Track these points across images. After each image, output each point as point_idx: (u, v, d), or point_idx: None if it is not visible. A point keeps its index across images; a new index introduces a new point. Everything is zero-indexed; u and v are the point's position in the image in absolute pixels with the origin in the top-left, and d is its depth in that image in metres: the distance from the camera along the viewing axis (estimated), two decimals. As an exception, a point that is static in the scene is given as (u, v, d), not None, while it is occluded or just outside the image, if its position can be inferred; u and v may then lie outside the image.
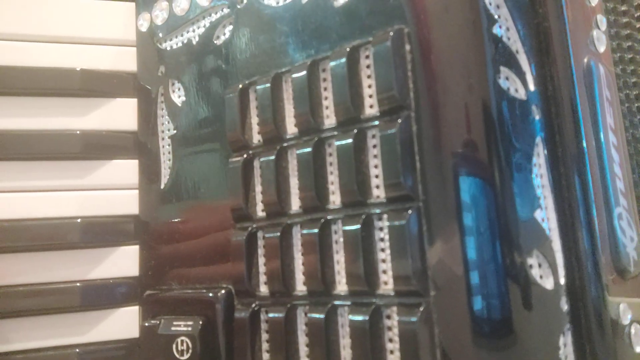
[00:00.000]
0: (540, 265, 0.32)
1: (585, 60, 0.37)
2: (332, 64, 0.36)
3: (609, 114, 0.38)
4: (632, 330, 0.35)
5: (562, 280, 0.33)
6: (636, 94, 0.49)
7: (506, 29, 0.33)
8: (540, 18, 0.35)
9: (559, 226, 0.33)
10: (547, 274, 0.32)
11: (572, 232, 0.34)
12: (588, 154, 0.35)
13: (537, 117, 0.34)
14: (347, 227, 0.35)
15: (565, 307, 0.33)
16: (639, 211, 0.43)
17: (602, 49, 0.39)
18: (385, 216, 0.34)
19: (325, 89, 0.38)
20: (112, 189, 0.49)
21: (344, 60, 0.36)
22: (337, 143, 0.36)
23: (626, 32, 0.49)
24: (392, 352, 0.33)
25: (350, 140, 0.35)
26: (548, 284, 0.32)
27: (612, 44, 0.43)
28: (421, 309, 0.32)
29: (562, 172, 0.34)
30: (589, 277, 0.34)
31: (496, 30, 0.33)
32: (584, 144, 0.35)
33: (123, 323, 0.48)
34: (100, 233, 0.48)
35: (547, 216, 0.33)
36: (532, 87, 0.34)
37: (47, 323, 0.46)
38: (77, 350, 0.47)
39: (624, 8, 0.49)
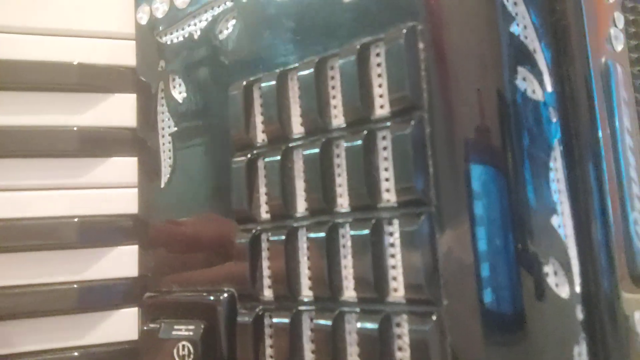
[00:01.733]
0: (556, 273, 0.31)
1: (603, 59, 0.36)
2: (341, 61, 0.35)
3: (626, 115, 0.36)
4: (648, 339, 0.34)
5: (578, 289, 0.32)
6: None
7: (523, 27, 0.32)
8: (559, 15, 0.34)
9: (575, 232, 0.32)
10: (562, 282, 0.31)
11: (588, 239, 0.33)
12: (605, 158, 0.34)
13: (554, 120, 0.32)
14: (356, 232, 0.34)
15: (580, 316, 0.32)
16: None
17: (619, 47, 0.38)
18: (395, 221, 0.33)
19: (333, 87, 0.36)
20: (111, 188, 0.48)
21: (353, 58, 0.34)
22: (346, 144, 0.35)
23: None
24: (401, 361, 0.32)
25: (359, 142, 0.34)
26: (564, 292, 0.31)
27: (630, 43, 0.42)
28: (433, 317, 0.30)
29: (579, 176, 0.33)
30: (604, 285, 0.33)
31: (513, 28, 0.32)
32: (602, 148, 0.34)
33: (122, 325, 0.46)
34: (98, 233, 0.46)
35: (563, 222, 0.32)
36: (549, 88, 0.32)
37: (44, 325, 0.45)
38: (76, 353, 0.46)
39: None
